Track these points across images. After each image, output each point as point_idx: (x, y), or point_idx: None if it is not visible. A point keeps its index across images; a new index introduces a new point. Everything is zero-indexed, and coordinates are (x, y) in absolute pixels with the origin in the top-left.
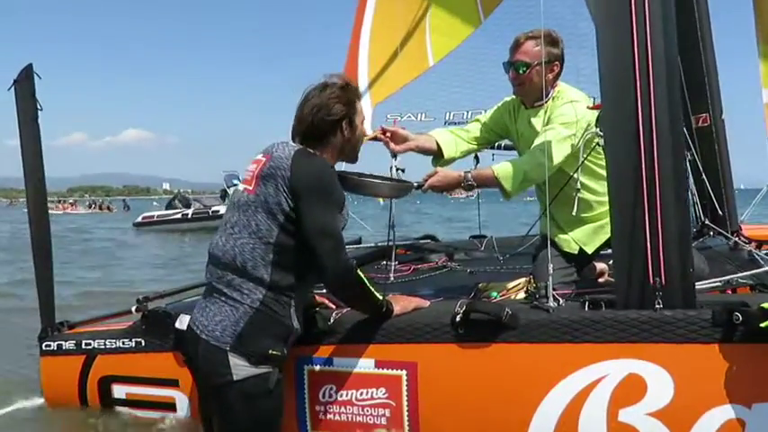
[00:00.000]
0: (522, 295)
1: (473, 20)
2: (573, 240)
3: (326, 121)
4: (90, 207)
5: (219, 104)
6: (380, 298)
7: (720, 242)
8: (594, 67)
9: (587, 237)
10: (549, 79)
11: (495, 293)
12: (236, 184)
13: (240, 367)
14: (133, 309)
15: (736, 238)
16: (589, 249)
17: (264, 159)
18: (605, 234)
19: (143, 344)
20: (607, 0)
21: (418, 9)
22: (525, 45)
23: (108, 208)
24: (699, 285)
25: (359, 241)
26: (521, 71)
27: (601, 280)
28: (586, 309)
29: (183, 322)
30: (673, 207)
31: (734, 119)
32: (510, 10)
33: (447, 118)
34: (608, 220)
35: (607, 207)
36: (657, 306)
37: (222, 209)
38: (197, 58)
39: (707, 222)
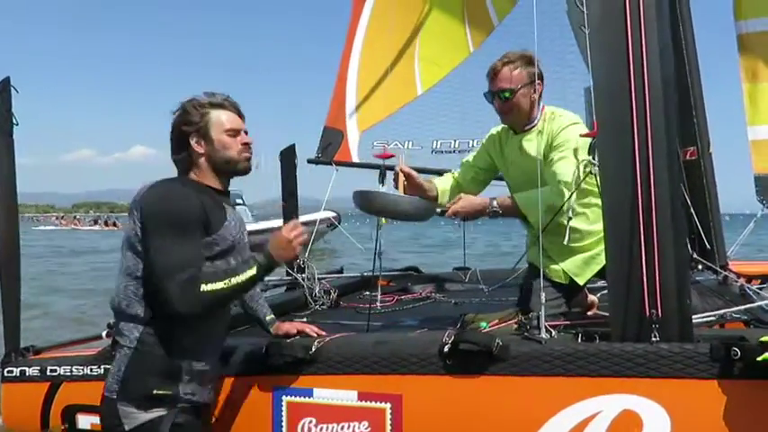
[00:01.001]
0: (512, 326)
1: (462, 49)
2: (563, 271)
3: (176, 138)
4: (95, 223)
5: None
6: (248, 274)
7: (709, 277)
8: (579, 93)
9: (579, 267)
10: (535, 99)
11: (484, 324)
12: (239, 204)
13: (131, 415)
14: (104, 333)
15: (726, 273)
16: (581, 280)
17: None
18: (597, 264)
19: None
20: (602, 26)
21: (407, 37)
22: (503, 72)
23: (114, 224)
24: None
25: (340, 271)
26: (505, 99)
27: (591, 312)
28: (580, 341)
29: None
30: (670, 237)
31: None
32: (500, 39)
33: (434, 146)
34: (601, 249)
35: (599, 236)
36: (654, 339)
37: None
38: (208, 76)
39: (695, 256)
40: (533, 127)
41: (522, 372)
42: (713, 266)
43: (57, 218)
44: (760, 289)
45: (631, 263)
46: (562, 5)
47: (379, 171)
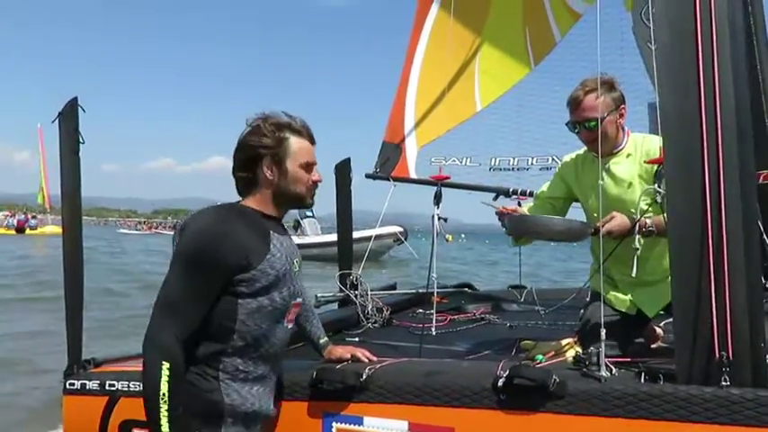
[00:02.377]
0: (570, 357)
1: (523, 65)
2: (631, 301)
3: (243, 162)
4: (173, 229)
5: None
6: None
7: None
8: (635, 111)
9: (649, 298)
10: (621, 124)
11: (540, 357)
12: (309, 216)
13: None
14: None
15: None
16: (650, 312)
17: None
18: (668, 296)
19: None
20: (670, 45)
21: (468, 53)
22: (587, 100)
23: None
24: None
25: (394, 287)
26: (591, 128)
27: (655, 345)
28: (642, 381)
29: None
30: (742, 274)
31: None
32: (561, 56)
33: (492, 164)
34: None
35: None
36: (724, 383)
37: (295, 239)
38: (286, 86)
39: None
40: (621, 150)
41: (579, 411)
42: None
43: (137, 223)
44: None
45: (700, 300)
46: (627, 21)
47: (434, 194)
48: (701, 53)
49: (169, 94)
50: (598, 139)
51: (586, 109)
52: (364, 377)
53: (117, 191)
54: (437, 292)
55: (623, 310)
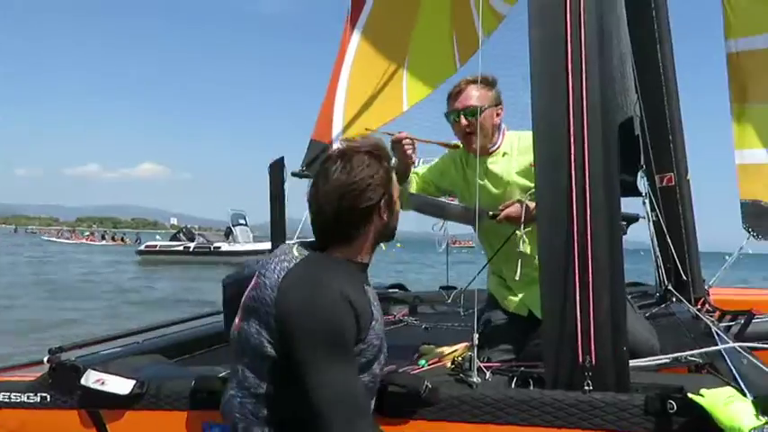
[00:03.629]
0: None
1: (449, 66)
2: (522, 302)
3: (357, 210)
4: (102, 238)
5: (238, 141)
6: None
7: (685, 309)
8: None
9: (537, 298)
10: (497, 123)
11: (423, 362)
12: (241, 224)
13: None
14: (45, 359)
15: (698, 307)
16: (540, 313)
17: (254, 282)
18: None
19: (48, 399)
20: (541, 52)
21: (397, 52)
22: (468, 90)
23: (122, 239)
24: (643, 363)
25: None
26: (470, 117)
27: None
28: (513, 386)
29: (89, 378)
30: (606, 280)
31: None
32: (486, 56)
33: (421, 164)
34: None
35: None
36: (587, 388)
37: (225, 246)
38: (222, 95)
39: (670, 288)
40: (497, 149)
41: (450, 417)
42: (685, 300)
43: (59, 232)
44: (727, 327)
45: (566, 305)
46: None
47: None
48: (569, 59)
49: (88, 97)
50: (474, 131)
51: (467, 98)
52: None
53: (35, 197)
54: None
55: (513, 311)
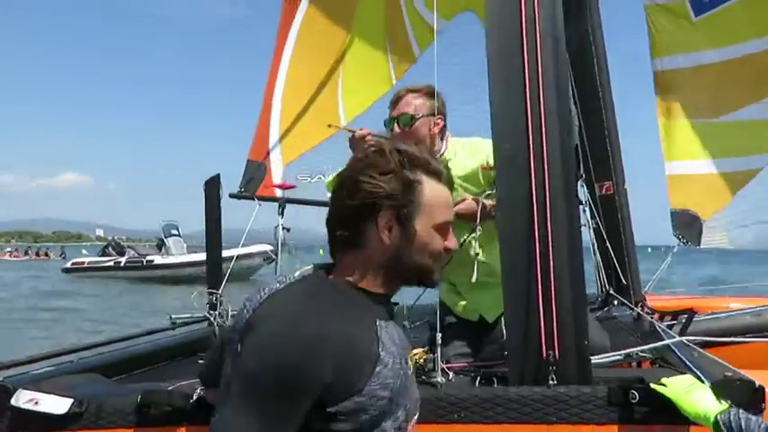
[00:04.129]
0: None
1: (385, 81)
2: (472, 307)
3: (352, 207)
4: (26, 254)
5: (165, 150)
6: None
7: (626, 312)
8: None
9: (488, 304)
10: (435, 133)
11: None
12: (174, 235)
13: None
14: None
15: (639, 309)
16: (490, 317)
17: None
18: None
19: None
20: (500, 60)
21: (331, 67)
22: (406, 98)
23: (46, 254)
24: (599, 360)
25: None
26: (405, 125)
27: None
28: (477, 384)
29: (19, 398)
30: (567, 276)
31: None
32: (422, 71)
33: None
34: None
35: None
36: (551, 382)
37: (157, 259)
38: (147, 101)
39: (611, 292)
40: (440, 156)
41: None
42: (627, 302)
43: None
44: (670, 326)
45: (528, 303)
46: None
47: (278, 204)
48: (527, 69)
49: (19, 102)
50: (408, 138)
51: (403, 105)
52: (194, 398)
53: None
54: None
55: (464, 317)
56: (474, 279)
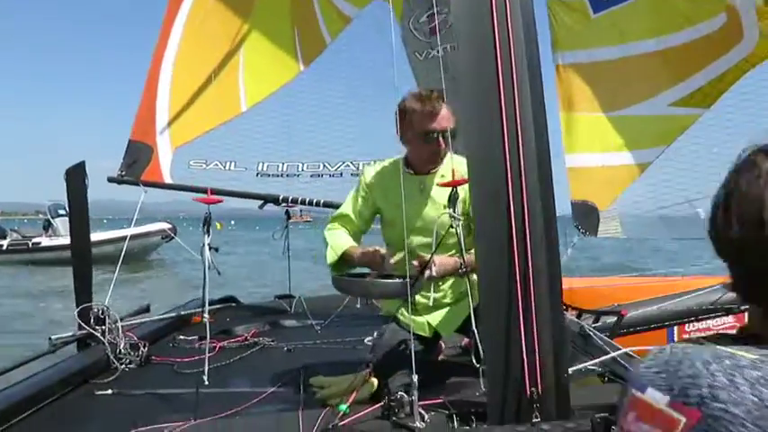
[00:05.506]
0: (366, 394)
1: (291, 67)
2: (429, 323)
3: None
4: None
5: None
6: None
7: None
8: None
9: (445, 319)
10: None
11: (344, 407)
12: (62, 215)
13: None
14: None
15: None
16: (447, 333)
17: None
18: (460, 318)
19: None
20: (471, 76)
21: (230, 48)
22: (444, 110)
23: None
24: None
25: (147, 309)
26: (445, 138)
27: (441, 357)
28: (456, 425)
29: None
30: (548, 310)
31: None
32: (331, 60)
33: (259, 169)
34: (463, 302)
35: (462, 290)
36: (535, 419)
37: (45, 241)
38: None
39: None
40: (437, 170)
41: None
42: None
43: None
44: (596, 328)
45: (509, 339)
46: (397, 29)
47: (203, 220)
48: (501, 83)
49: None
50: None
51: (445, 118)
52: None
53: None
54: (198, 312)
55: (421, 333)
56: (431, 303)
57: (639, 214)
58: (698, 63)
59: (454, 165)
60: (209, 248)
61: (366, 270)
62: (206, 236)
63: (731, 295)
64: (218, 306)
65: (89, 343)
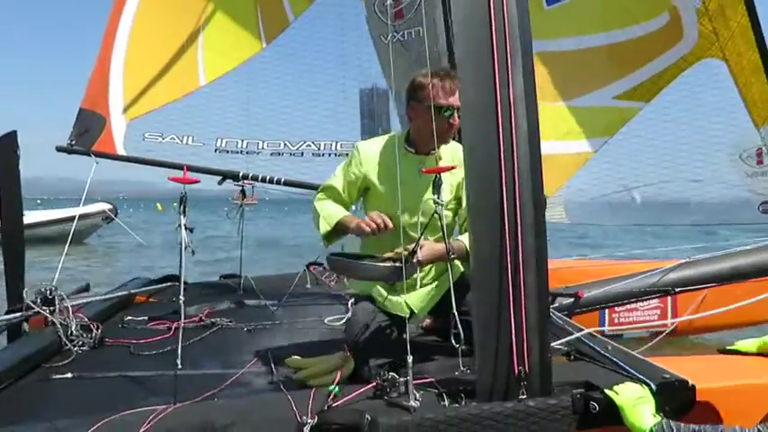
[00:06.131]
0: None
1: (253, 43)
2: (406, 303)
3: None
4: None
5: None
6: None
7: None
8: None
9: (422, 299)
10: None
11: (334, 388)
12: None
13: None
14: None
15: None
16: (422, 312)
17: None
18: (435, 298)
19: None
20: (467, 65)
21: (191, 18)
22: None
23: None
24: None
25: (86, 288)
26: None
27: (424, 324)
28: (446, 403)
29: None
30: (535, 292)
31: None
32: (295, 37)
33: (218, 145)
34: (440, 282)
35: (440, 271)
36: (522, 396)
37: None
38: None
39: None
40: (434, 151)
41: None
42: None
43: None
44: (555, 308)
45: (500, 319)
46: (362, 10)
47: (179, 199)
48: (497, 74)
49: None
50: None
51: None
52: None
53: None
54: (141, 292)
55: (398, 313)
56: (418, 285)
57: (583, 201)
58: (641, 59)
59: (453, 150)
60: (186, 229)
61: (359, 252)
62: (182, 216)
63: (668, 278)
64: (162, 285)
65: (21, 329)
